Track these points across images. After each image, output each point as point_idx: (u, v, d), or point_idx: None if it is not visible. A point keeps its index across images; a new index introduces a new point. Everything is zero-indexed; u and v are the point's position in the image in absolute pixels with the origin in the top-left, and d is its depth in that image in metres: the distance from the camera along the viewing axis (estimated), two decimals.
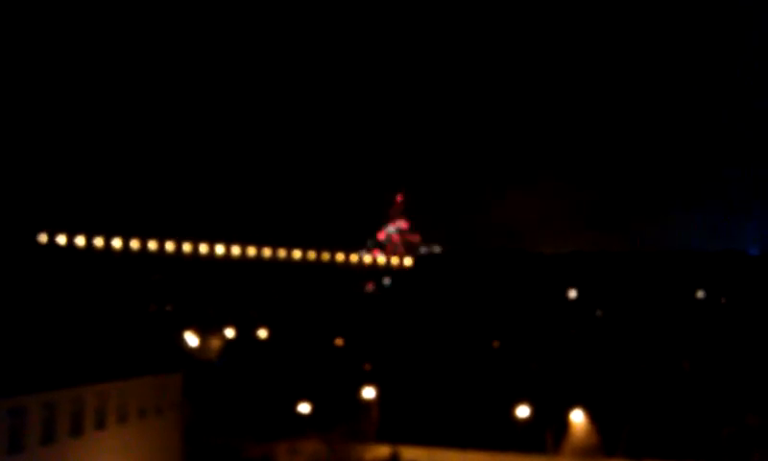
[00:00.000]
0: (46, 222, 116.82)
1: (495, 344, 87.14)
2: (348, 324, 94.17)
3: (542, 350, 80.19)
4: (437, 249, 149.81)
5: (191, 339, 76.48)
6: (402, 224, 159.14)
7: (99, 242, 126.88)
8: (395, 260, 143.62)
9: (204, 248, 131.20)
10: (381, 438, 55.78)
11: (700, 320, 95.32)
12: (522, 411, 56.57)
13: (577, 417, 55.99)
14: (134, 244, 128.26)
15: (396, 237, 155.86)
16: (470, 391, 64.61)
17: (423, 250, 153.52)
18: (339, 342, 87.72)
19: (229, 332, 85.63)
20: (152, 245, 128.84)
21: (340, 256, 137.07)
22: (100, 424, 37.13)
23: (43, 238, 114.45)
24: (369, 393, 60.71)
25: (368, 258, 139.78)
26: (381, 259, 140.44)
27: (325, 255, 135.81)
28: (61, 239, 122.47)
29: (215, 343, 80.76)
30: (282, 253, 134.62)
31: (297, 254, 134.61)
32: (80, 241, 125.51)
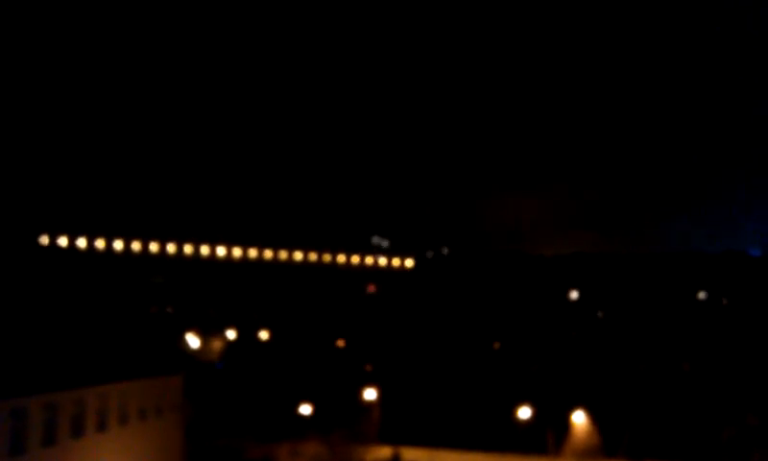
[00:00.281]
0: (48, 223, 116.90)
1: (497, 345, 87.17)
2: (350, 325, 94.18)
3: (544, 351, 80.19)
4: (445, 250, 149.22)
5: (192, 341, 76.54)
6: None
7: (100, 244, 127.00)
8: (396, 262, 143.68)
9: (205, 249, 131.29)
10: (382, 439, 55.82)
11: (701, 321, 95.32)
12: (524, 412, 56.63)
13: (578, 418, 56.03)
14: (136, 246, 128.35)
15: None
16: (472, 392, 64.65)
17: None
18: (340, 343, 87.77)
19: (231, 334, 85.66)
20: (153, 247, 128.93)
21: (341, 258, 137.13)
22: (101, 426, 37.19)
23: (45, 240, 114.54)
24: (370, 394, 60.74)
25: (369, 259, 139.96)
26: (382, 260, 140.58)
27: (326, 257, 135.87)
28: (63, 241, 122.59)
29: (216, 344, 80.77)
30: (283, 254, 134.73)
31: (298, 255, 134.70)
32: (81, 243, 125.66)
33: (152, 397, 42.96)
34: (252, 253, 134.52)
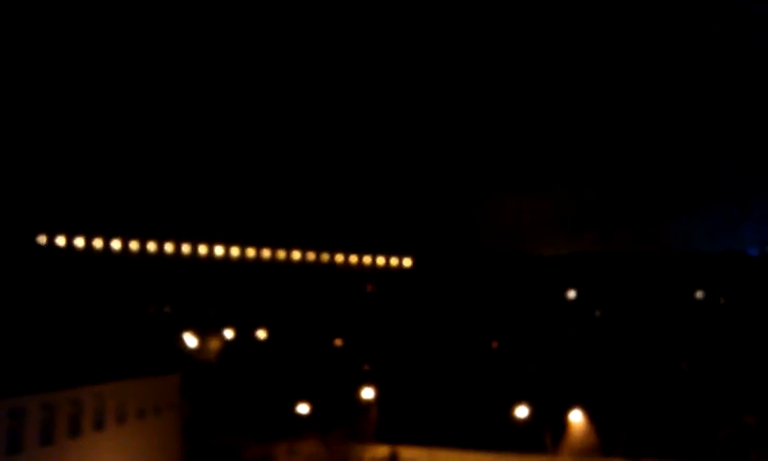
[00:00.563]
0: (45, 223, 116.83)
1: (494, 344, 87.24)
2: (347, 324, 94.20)
3: (541, 350, 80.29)
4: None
5: (190, 340, 76.56)
6: None
7: (98, 243, 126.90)
8: (394, 261, 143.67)
9: (203, 249, 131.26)
10: (380, 438, 55.82)
11: (699, 321, 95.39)
12: (521, 411, 56.68)
13: (576, 417, 56.09)
14: (134, 245, 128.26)
15: None
16: (470, 391, 64.73)
17: None
18: (338, 342, 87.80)
19: (228, 333, 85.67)
20: (151, 246, 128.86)
21: (339, 257, 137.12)
22: (98, 425, 37.17)
23: (42, 239, 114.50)
24: (368, 393, 60.80)
25: (367, 259, 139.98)
26: (380, 260, 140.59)
27: (325, 256, 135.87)
28: (60, 240, 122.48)
29: (214, 344, 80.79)
30: (282, 253, 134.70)
31: (296, 254, 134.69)
32: (79, 242, 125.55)
33: (149, 396, 42.94)
34: (250, 252, 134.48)
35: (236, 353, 78.29)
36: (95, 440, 36.62)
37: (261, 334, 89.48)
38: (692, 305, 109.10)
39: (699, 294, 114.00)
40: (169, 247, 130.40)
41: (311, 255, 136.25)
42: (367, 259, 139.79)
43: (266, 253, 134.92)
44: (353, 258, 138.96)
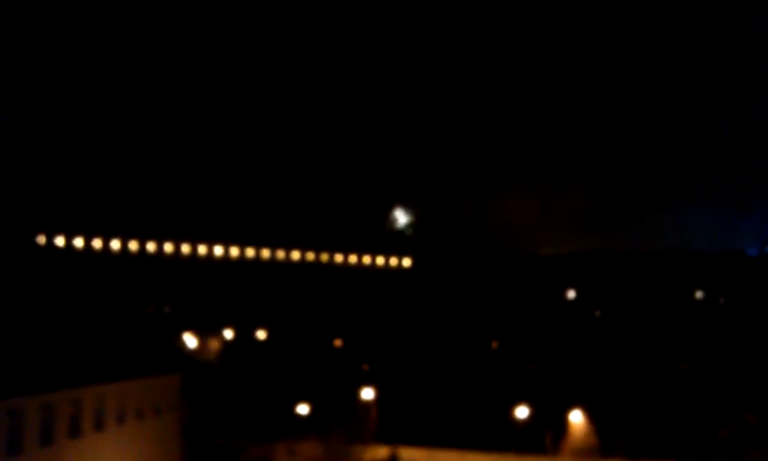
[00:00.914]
0: (45, 223, 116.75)
1: (494, 345, 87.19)
2: (347, 324, 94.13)
3: (541, 350, 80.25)
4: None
5: (190, 340, 76.55)
6: None
7: (97, 243, 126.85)
8: (393, 261, 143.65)
9: (202, 249, 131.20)
10: (380, 439, 55.84)
11: (698, 320, 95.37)
12: (521, 412, 56.65)
13: (576, 417, 56.08)
14: (133, 245, 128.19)
15: None
16: (469, 392, 64.67)
17: None
18: (338, 343, 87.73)
19: (228, 333, 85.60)
20: (150, 246, 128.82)
21: (339, 257, 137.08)
22: (98, 426, 37.15)
23: (42, 239, 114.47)
24: (367, 394, 60.77)
25: (367, 259, 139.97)
26: (380, 260, 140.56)
27: (324, 256, 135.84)
28: (60, 241, 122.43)
29: (214, 344, 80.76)
30: (281, 253, 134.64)
31: (295, 255, 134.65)
32: (78, 242, 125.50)
33: (149, 396, 42.94)
34: (250, 252, 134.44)
35: (236, 354, 78.23)
36: (95, 440, 36.60)
37: (261, 335, 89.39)
38: (692, 305, 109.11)
39: (698, 294, 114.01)
40: (168, 247, 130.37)
41: (311, 255, 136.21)
42: (366, 259, 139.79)
43: (265, 253, 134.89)
44: (353, 258, 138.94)
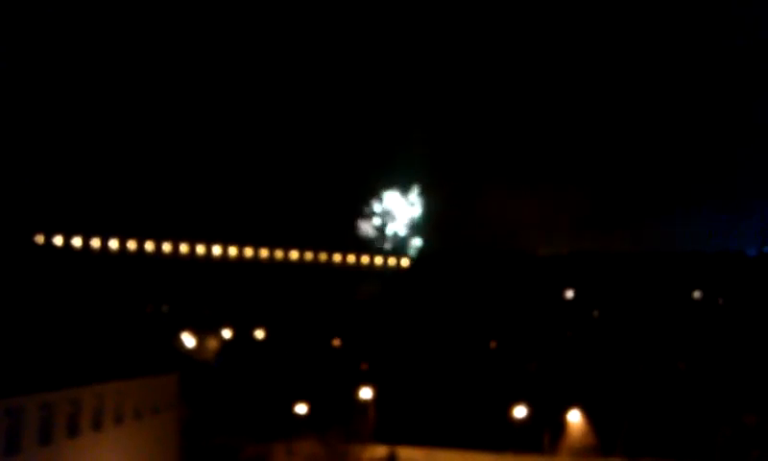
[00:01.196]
0: (43, 222, 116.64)
1: (493, 344, 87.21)
2: (345, 324, 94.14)
3: (540, 350, 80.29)
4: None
5: (188, 340, 76.53)
6: None
7: (96, 243, 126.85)
8: (391, 261, 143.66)
9: (201, 249, 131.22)
10: (378, 438, 55.84)
11: (697, 320, 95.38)
12: (520, 411, 56.65)
13: (574, 417, 56.10)
14: (131, 245, 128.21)
15: None
16: (468, 391, 64.71)
17: None
18: (336, 342, 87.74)
19: (226, 333, 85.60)
20: (149, 246, 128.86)
21: (337, 257, 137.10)
22: (97, 425, 37.07)
23: (40, 239, 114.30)
24: (366, 393, 60.76)
25: (365, 259, 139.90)
26: (378, 260, 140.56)
27: (323, 256, 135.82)
28: (58, 240, 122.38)
29: (212, 344, 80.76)
30: (279, 253, 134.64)
31: (294, 254, 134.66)
32: (77, 242, 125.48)
33: (148, 396, 42.86)
34: (248, 252, 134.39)
35: (234, 353, 78.22)
36: (93, 440, 36.53)
37: (259, 334, 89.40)
38: (690, 305, 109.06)
39: (697, 294, 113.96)
40: (167, 247, 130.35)
41: (309, 255, 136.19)
42: (365, 259, 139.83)
43: (264, 253, 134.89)
44: (351, 259, 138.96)
